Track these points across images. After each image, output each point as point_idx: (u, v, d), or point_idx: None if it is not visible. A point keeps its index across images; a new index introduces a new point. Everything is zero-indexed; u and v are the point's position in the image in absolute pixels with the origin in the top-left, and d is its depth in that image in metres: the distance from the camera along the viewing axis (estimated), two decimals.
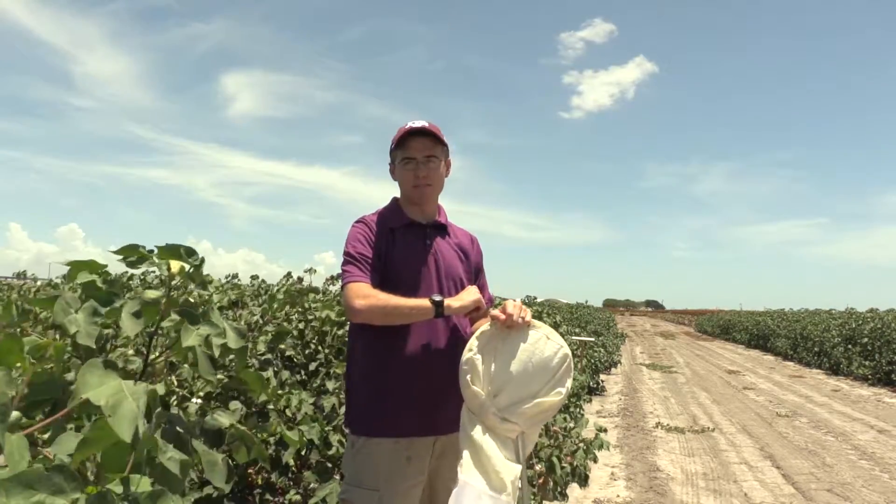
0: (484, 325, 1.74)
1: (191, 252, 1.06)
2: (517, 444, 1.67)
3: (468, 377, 1.66)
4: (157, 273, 1.07)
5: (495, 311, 1.73)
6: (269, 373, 1.99)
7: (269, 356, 2.42)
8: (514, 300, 1.76)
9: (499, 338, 1.72)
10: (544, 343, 1.73)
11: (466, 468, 1.59)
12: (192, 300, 1.04)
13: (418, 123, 1.86)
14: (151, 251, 1.05)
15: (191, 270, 1.07)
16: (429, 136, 1.87)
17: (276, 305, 2.93)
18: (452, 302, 1.76)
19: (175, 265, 1.05)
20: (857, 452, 6.23)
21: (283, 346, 2.48)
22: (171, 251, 1.05)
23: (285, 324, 2.74)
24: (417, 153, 1.86)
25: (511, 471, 1.60)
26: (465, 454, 1.62)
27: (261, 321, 2.69)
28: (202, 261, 1.07)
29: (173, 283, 1.05)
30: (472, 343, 1.71)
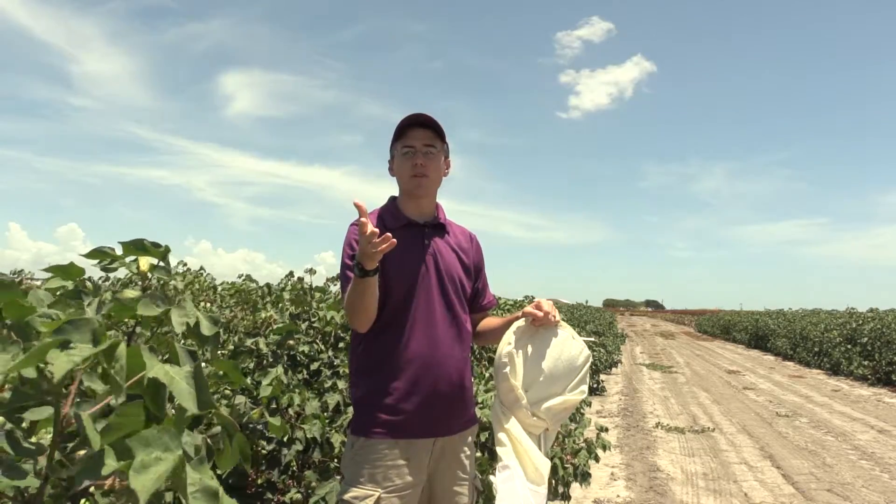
0: (519, 321, 1.77)
1: (156, 244, 1.07)
2: (540, 441, 1.70)
3: (506, 370, 1.69)
4: (132, 272, 1.07)
5: (529, 308, 1.77)
6: (279, 370, 2.00)
7: (278, 352, 2.43)
8: (547, 299, 1.80)
9: (529, 334, 1.75)
10: (571, 342, 1.77)
11: (508, 455, 1.62)
12: (168, 294, 1.05)
13: (420, 112, 1.87)
14: (122, 253, 1.06)
15: (159, 263, 1.07)
16: (429, 129, 1.87)
17: (281, 305, 2.93)
18: (359, 256, 1.62)
19: (144, 262, 1.05)
20: (857, 452, 6.23)
21: (291, 343, 2.49)
22: (137, 245, 1.05)
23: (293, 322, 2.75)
24: (417, 142, 1.86)
25: (546, 465, 1.65)
26: (505, 440, 1.65)
27: (276, 317, 2.70)
28: (167, 250, 1.07)
29: (146, 280, 1.06)
30: (509, 337, 1.73)
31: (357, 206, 1.61)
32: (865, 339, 13.09)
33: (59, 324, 0.72)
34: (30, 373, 0.73)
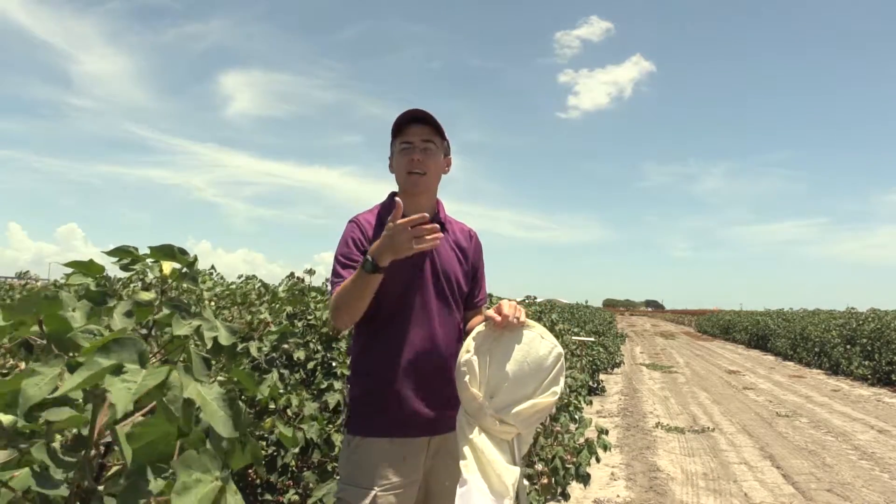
0: (479, 326, 1.73)
1: (184, 252, 1.06)
2: (513, 446, 1.66)
3: (466, 378, 1.64)
4: (153, 275, 1.07)
5: (490, 312, 1.71)
6: (274, 373, 1.99)
7: (273, 355, 2.42)
8: (510, 300, 1.74)
9: (493, 338, 1.70)
10: (539, 342, 1.71)
11: (470, 468, 1.58)
12: (185, 300, 1.04)
13: (416, 108, 1.84)
14: (144, 253, 1.06)
15: (184, 270, 1.06)
16: (427, 124, 1.84)
17: (277, 305, 2.92)
18: (378, 251, 1.60)
19: (167, 267, 1.05)
20: (857, 452, 6.23)
21: (286, 346, 2.49)
22: (164, 251, 1.04)
23: (289, 324, 2.74)
24: (415, 138, 1.83)
25: (511, 474, 1.59)
26: (468, 454, 1.61)
27: (269, 318, 2.69)
28: (196, 259, 1.07)
29: (166, 284, 1.05)
30: (469, 344, 1.69)
31: (397, 201, 1.59)
32: (865, 339, 13.09)
33: (104, 342, 0.71)
34: (76, 394, 0.73)
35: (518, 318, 1.70)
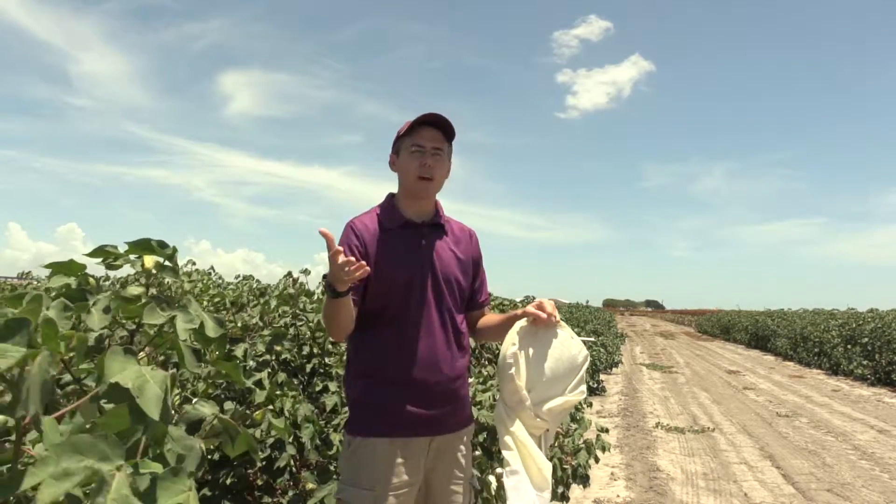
0: (521, 321, 1.77)
1: (163, 245, 1.06)
2: (540, 442, 1.70)
3: (511, 371, 1.68)
4: (135, 270, 1.06)
5: (531, 308, 1.76)
6: (263, 375, 1.99)
7: (267, 357, 2.41)
8: (549, 299, 1.79)
9: (531, 334, 1.75)
10: (570, 342, 1.77)
11: (515, 460, 1.62)
12: (171, 294, 1.04)
13: (435, 112, 1.85)
14: (126, 249, 1.05)
15: (165, 263, 1.06)
16: (440, 130, 1.86)
17: (271, 307, 2.91)
18: (331, 278, 1.59)
19: (149, 260, 1.04)
20: (857, 452, 6.23)
21: (279, 349, 2.48)
22: (143, 245, 1.04)
23: (282, 327, 2.73)
24: (427, 143, 1.85)
25: (549, 468, 1.65)
26: (511, 444, 1.65)
27: (260, 323, 2.67)
28: (175, 251, 1.06)
29: (150, 277, 1.05)
30: (513, 337, 1.73)
31: (323, 234, 1.56)
32: (866, 339, 13.08)
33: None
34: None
35: (555, 317, 1.76)
